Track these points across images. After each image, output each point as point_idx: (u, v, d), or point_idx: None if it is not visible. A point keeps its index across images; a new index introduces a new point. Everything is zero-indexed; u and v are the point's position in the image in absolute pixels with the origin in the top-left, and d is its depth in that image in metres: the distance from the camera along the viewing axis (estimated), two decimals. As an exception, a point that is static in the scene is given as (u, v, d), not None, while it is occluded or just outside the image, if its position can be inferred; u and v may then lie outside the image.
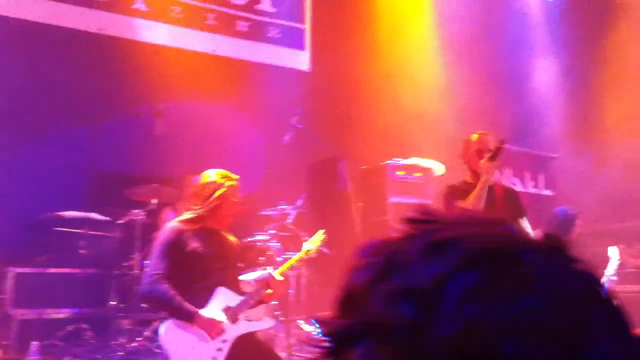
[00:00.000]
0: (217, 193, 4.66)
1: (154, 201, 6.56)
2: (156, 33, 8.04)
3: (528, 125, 8.73)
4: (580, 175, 8.66)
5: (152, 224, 6.43)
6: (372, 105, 8.58)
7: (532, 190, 8.50)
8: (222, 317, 4.49)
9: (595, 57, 9.35)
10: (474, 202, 5.10)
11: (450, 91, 8.81)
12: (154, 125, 6.92)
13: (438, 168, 7.56)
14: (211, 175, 4.76)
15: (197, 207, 4.68)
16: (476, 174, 5.28)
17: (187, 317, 4.40)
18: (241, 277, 4.90)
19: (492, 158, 5.18)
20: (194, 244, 4.57)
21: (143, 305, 6.14)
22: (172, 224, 4.68)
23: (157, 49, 7.92)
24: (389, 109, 8.54)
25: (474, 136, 5.40)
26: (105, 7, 7.72)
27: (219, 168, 4.88)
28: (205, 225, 4.67)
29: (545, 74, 9.85)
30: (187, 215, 4.70)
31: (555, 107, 9.54)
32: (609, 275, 6.67)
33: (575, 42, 9.60)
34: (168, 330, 4.43)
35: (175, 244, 4.53)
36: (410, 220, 0.70)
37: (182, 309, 4.39)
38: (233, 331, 4.51)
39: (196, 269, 4.54)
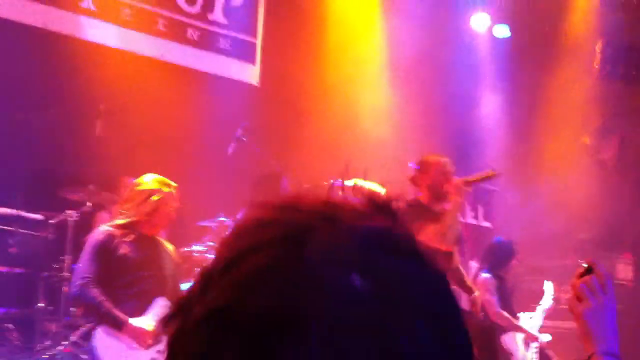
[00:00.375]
0: (152, 199, 4.56)
1: (89, 203, 6.37)
2: (104, 33, 7.84)
3: (469, 155, 8.81)
4: (517, 209, 8.79)
5: (85, 226, 6.22)
6: (318, 124, 8.54)
7: (472, 221, 8.59)
8: (157, 327, 4.36)
9: (539, 96, 9.55)
10: (450, 222, 5.02)
11: (395, 114, 8.86)
12: (94, 126, 6.76)
13: (379, 190, 7.55)
14: (147, 180, 4.66)
15: (130, 212, 4.58)
16: (437, 196, 5.19)
17: (116, 325, 4.28)
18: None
19: (470, 183, 5.13)
20: (124, 249, 4.47)
21: (71, 309, 5.97)
22: (103, 227, 4.59)
23: (103, 49, 7.72)
24: (335, 128, 8.52)
25: (438, 158, 5.31)
26: (52, 2, 7.49)
27: (159, 174, 4.77)
28: (138, 230, 4.57)
29: (490, 106, 10.02)
30: (120, 219, 4.60)
31: (498, 140, 9.69)
32: (544, 308, 6.76)
33: (521, 79, 9.80)
34: (101, 336, 4.32)
35: (105, 248, 4.44)
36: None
37: (111, 315, 4.28)
38: None
39: (124, 275, 4.44)
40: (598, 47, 8.75)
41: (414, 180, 5.38)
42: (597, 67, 8.71)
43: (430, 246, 5.14)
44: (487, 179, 5.25)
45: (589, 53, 8.92)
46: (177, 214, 4.79)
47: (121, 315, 4.28)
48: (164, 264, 4.66)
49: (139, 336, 4.30)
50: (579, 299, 1.84)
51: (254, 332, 0.59)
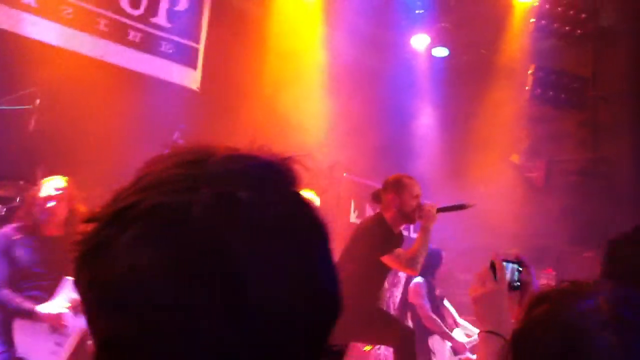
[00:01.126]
0: (49, 200, 4.66)
1: (19, 199, 6.32)
2: (44, 31, 7.79)
3: (401, 166, 9.00)
4: (447, 222, 8.98)
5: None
6: (254, 130, 8.60)
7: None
8: (65, 309, 4.45)
9: (472, 114, 9.83)
10: (421, 249, 4.95)
11: (332, 122, 8.99)
12: (29, 121, 6.71)
13: (316, 199, 7.66)
14: (46, 180, 4.83)
15: (30, 213, 4.68)
16: (404, 218, 5.10)
17: (28, 315, 4.41)
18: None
19: (442, 211, 5.02)
20: (19, 252, 4.59)
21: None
22: (4, 229, 4.68)
23: (43, 46, 7.66)
24: (271, 134, 8.59)
25: (411, 181, 5.16)
26: (-8, -4, 7.43)
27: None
28: (39, 232, 4.69)
29: (424, 120, 10.27)
30: (21, 221, 4.70)
31: (429, 153, 9.92)
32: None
33: (456, 96, 10.08)
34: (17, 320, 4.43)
35: (3, 249, 4.56)
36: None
37: (20, 308, 4.43)
38: (76, 325, 4.47)
39: (21, 275, 4.56)
40: (530, 70, 9.07)
41: (378, 198, 5.24)
42: (528, 89, 9.01)
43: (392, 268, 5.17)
44: (458, 209, 5.11)
45: (521, 76, 9.22)
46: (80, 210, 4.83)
47: (28, 305, 4.39)
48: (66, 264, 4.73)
49: (52, 320, 4.40)
50: (474, 287, 2.11)
51: (149, 222, 0.73)
